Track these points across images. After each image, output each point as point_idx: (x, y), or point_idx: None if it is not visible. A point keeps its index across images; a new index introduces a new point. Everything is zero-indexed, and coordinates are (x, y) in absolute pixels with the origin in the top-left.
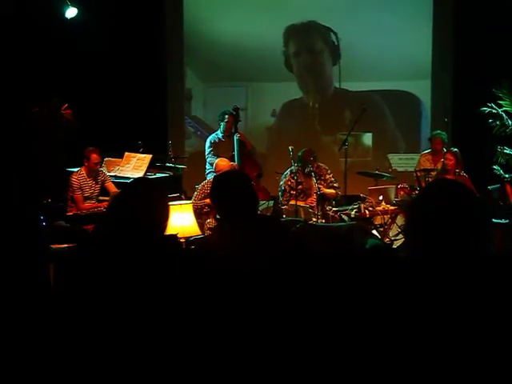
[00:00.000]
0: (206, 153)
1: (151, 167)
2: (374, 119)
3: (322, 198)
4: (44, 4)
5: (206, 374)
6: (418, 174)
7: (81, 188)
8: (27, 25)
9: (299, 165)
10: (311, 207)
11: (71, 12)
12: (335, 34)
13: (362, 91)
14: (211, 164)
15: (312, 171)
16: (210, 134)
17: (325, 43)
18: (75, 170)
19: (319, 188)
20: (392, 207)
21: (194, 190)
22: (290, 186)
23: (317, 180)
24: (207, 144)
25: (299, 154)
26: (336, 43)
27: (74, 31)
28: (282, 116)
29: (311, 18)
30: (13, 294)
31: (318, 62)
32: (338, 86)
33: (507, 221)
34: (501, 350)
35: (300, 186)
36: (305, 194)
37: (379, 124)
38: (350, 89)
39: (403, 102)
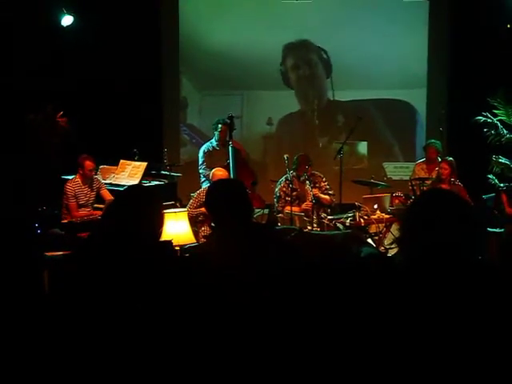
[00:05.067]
0: (199, 163)
1: (146, 175)
2: (369, 128)
3: (318, 204)
4: (40, 12)
5: (203, 381)
6: (413, 182)
7: (75, 196)
8: (23, 32)
9: (294, 167)
10: (306, 214)
11: (67, 20)
12: (326, 52)
13: (356, 100)
14: (203, 176)
15: (307, 178)
16: (205, 142)
17: (319, 58)
18: (70, 177)
19: (313, 195)
20: (387, 216)
21: (190, 197)
22: (284, 192)
23: (311, 187)
24: (200, 154)
25: (295, 157)
26: (327, 59)
27: (69, 39)
28: (280, 127)
29: (306, 31)
30: (6, 300)
31: (315, 74)
32: (331, 97)
33: (502, 230)
34: (492, 357)
35: (295, 193)
36: (300, 200)
37: (374, 133)
38: (343, 99)
39: (399, 110)
